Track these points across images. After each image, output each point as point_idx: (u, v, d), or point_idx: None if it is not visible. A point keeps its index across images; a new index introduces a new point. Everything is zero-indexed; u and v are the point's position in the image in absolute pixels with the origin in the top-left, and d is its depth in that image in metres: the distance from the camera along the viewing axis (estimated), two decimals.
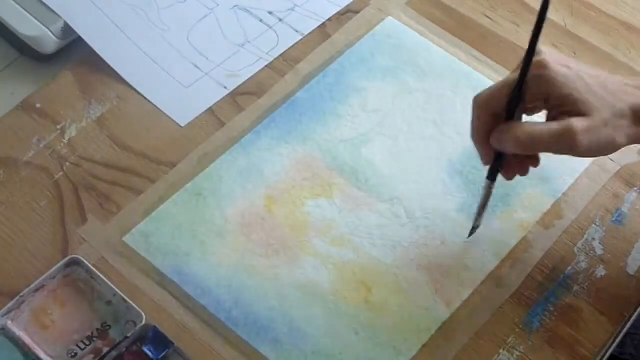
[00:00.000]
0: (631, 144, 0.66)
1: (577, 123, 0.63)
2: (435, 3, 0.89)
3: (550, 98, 0.65)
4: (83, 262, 0.70)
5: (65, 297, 0.69)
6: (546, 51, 0.64)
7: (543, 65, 0.64)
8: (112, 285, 0.69)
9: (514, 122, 0.65)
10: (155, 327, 0.68)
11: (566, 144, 0.64)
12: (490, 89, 0.67)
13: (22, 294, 0.68)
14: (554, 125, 0.64)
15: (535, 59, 0.63)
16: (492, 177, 0.69)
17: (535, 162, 0.69)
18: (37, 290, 0.69)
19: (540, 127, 0.65)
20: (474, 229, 0.74)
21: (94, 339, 0.68)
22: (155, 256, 0.72)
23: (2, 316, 0.67)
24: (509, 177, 0.70)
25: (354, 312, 0.71)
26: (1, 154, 0.77)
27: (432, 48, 0.86)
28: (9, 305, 0.68)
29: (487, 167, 0.69)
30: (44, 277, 0.69)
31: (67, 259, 0.70)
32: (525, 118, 0.66)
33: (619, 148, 0.66)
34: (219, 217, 0.74)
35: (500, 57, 0.85)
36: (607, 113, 0.64)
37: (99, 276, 0.70)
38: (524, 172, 0.70)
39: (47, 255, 0.72)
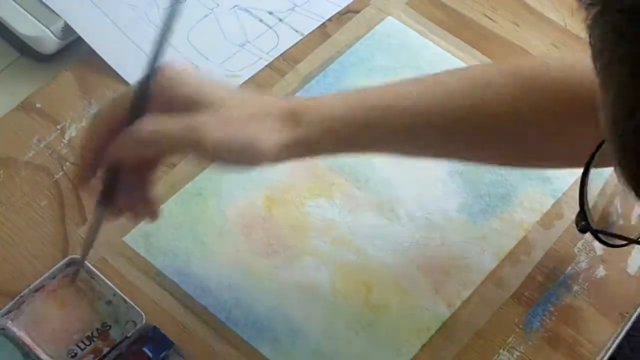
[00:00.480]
0: (285, 153, 0.57)
1: (207, 114, 0.55)
2: (435, 3, 0.89)
3: (174, 99, 0.56)
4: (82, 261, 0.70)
5: (65, 297, 0.69)
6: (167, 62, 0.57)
7: (160, 68, 0.56)
8: (112, 285, 0.69)
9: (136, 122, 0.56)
10: (155, 327, 0.68)
11: (193, 137, 0.55)
12: (108, 102, 0.59)
13: (22, 294, 0.68)
14: (182, 118, 0.56)
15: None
16: (107, 199, 0.59)
17: (153, 213, 0.61)
18: (37, 290, 0.69)
19: (165, 121, 0.56)
20: (80, 263, 0.67)
21: (94, 339, 0.68)
22: (155, 256, 0.72)
23: (2, 316, 0.67)
24: (118, 215, 0.61)
25: (354, 312, 0.71)
26: (1, 154, 0.77)
27: (432, 48, 0.86)
28: (9, 305, 0.68)
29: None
30: (43, 277, 0.69)
31: (67, 259, 0.70)
32: None
33: (264, 156, 0.56)
34: (219, 217, 0.74)
35: (500, 57, 0.85)
36: (246, 109, 0.57)
37: (99, 276, 0.70)
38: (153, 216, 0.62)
39: (47, 255, 0.72)
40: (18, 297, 0.68)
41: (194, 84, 0.57)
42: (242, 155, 0.57)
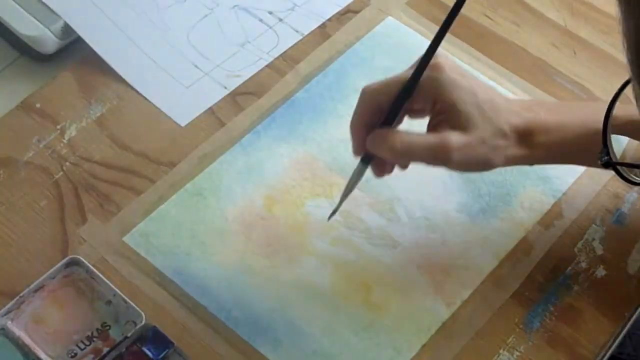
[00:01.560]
0: (510, 164, 0.67)
1: (454, 138, 0.63)
2: (435, 3, 0.89)
3: (437, 102, 0.64)
4: (83, 262, 0.70)
5: (65, 297, 0.69)
6: (443, 55, 0.64)
7: (439, 68, 0.63)
8: (112, 285, 0.69)
9: (392, 129, 0.65)
10: (155, 327, 0.68)
11: (440, 158, 0.64)
12: (381, 81, 0.66)
13: (22, 294, 0.68)
14: (431, 138, 0.64)
15: (432, 61, 0.63)
16: (366, 160, 0.67)
17: (405, 167, 0.69)
18: (36, 290, 0.69)
19: (416, 138, 0.64)
20: (334, 212, 0.70)
21: (94, 339, 0.68)
22: (155, 256, 0.72)
23: (2, 316, 0.67)
24: (379, 174, 0.68)
25: (354, 312, 0.71)
26: (1, 154, 0.77)
27: None
28: (9, 305, 0.68)
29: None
30: (43, 277, 0.69)
31: (67, 259, 0.70)
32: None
33: (494, 167, 0.65)
34: (219, 217, 0.74)
35: (500, 57, 0.86)
36: (487, 131, 0.64)
37: (99, 276, 0.70)
38: (390, 171, 0.69)
39: (47, 255, 0.72)
40: (18, 297, 0.68)
41: (455, 95, 0.63)
42: (476, 169, 0.66)
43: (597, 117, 0.64)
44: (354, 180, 0.67)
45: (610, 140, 0.57)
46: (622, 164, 0.57)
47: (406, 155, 0.65)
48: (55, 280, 0.70)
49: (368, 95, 0.66)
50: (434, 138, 0.64)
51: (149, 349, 0.67)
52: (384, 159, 0.67)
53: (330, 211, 0.69)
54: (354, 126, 0.66)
